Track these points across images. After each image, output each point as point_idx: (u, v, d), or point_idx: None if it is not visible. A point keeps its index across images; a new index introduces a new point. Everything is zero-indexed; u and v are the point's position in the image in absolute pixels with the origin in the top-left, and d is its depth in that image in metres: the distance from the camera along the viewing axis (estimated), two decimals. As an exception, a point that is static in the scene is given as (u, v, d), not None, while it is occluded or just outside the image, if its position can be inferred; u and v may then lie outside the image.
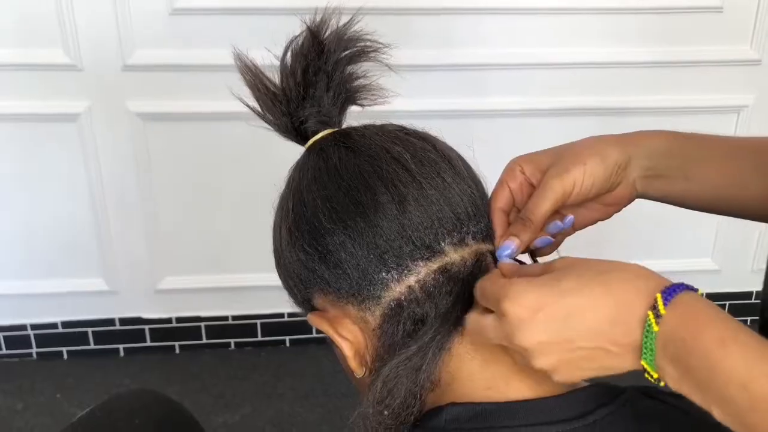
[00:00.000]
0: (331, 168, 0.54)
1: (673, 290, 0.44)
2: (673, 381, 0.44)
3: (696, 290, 0.45)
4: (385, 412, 0.51)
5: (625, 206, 0.64)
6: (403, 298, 0.52)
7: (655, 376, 0.45)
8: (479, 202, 0.55)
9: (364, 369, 0.55)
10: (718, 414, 0.43)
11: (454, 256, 0.53)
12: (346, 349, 0.54)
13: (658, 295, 0.44)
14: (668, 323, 0.43)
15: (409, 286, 0.52)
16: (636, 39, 1.62)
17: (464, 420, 0.51)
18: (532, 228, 0.57)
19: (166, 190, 1.66)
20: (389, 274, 0.51)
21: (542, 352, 0.47)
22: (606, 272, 0.47)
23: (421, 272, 0.52)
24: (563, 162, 0.59)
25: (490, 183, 0.60)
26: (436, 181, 0.53)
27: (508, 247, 0.55)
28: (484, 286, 0.51)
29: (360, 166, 0.53)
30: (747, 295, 1.89)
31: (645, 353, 0.45)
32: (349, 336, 0.54)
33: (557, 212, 0.60)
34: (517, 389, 0.52)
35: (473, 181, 0.56)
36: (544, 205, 0.57)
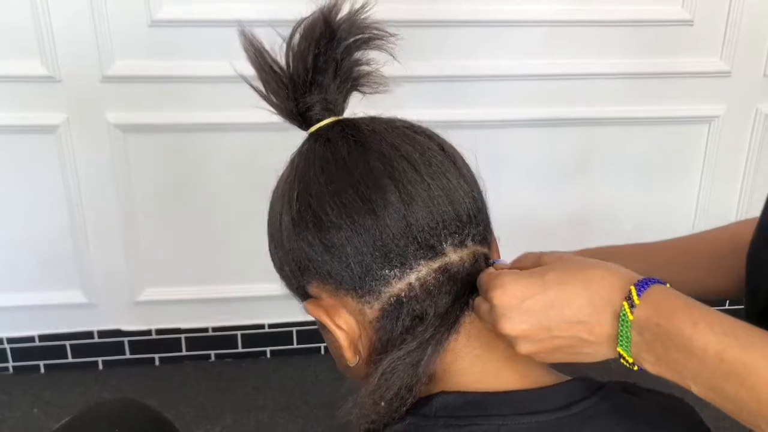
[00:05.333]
0: (339, 161, 0.54)
1: (645, 283, 0.49)
2: (650, 365, 0.48)
3: (665, 284, 0.49)
4: (382, 403, 0.53)
5: None
6: (403, 294, 0.53)
7: (631, 361, 0.49)
8: (479, 204, 0.57)
9: (357, 358, 0.56)
10: (696, 389, 0.47)
11: (454, 256, 0.54)
12: (342, 339, 0.55)
13: (632, 288, 0.48)
14: (642, 311, 0.47)
15: (410, 284, 0.53)
16: (610, 51, 1.65)
17: (453, 408, 0.53)
18: None
19: (145, 201, 1.65)
20: (392, 272, 0.53)
21: (524, 340, 0.51)
22: (586, 268, 0.51)
23: (422, 270, 0.53)
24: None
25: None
26: (443, 182, 0.54)
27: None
28: (481, 278, 0.54)
29: (370, 163, 0.53)
30: (721, 302, 1.92)
31: (621, 341, 0.49)
32: (345, 326, 0.55)
33: None
34: (505, 381, 0.55)
35: (474, 182, 0.58)
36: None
